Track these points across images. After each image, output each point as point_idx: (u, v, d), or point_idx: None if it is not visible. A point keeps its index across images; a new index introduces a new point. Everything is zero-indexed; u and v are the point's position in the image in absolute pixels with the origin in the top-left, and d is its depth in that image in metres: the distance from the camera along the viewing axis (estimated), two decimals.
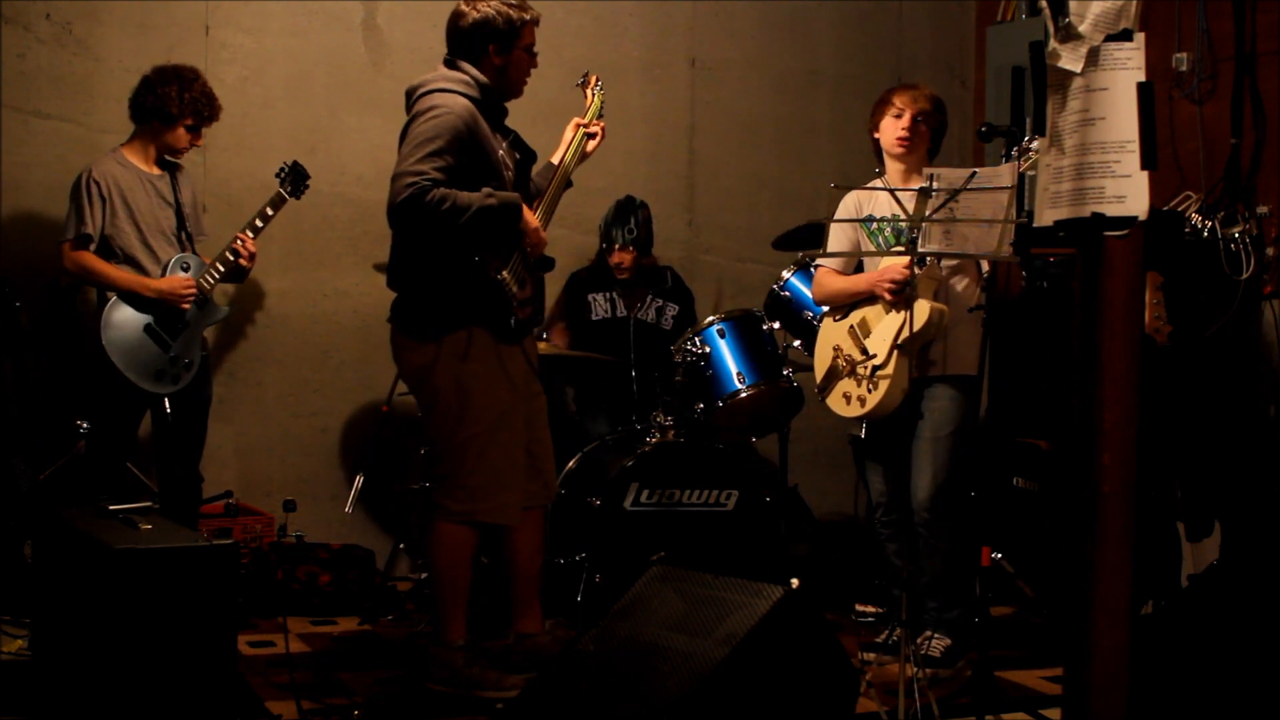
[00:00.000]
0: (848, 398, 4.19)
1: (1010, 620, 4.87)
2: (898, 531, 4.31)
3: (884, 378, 4.06)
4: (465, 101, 3.81)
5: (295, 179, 4.73)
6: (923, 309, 4.00)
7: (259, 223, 4.64)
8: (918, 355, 4.07)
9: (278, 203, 4.68)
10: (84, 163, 4.55)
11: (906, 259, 3.77)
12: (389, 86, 5.36)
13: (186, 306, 4.50)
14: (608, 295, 5.34)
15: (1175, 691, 3.42)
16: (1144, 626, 3.56)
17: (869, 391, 4.10)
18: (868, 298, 4.22)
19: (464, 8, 3.91)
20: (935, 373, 4.20)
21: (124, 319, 4.43)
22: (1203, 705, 3.42)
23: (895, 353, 4.05)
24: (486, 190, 3.78)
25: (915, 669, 3.56)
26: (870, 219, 4.23)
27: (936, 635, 4.20)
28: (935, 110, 4.30)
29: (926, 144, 4.29)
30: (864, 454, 4.43)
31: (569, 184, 4.20)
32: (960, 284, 4.22)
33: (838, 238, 4.30)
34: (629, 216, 5.25)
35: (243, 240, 4.59)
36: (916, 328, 3.90)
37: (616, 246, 5.23)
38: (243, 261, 4.60)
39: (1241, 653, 3.50)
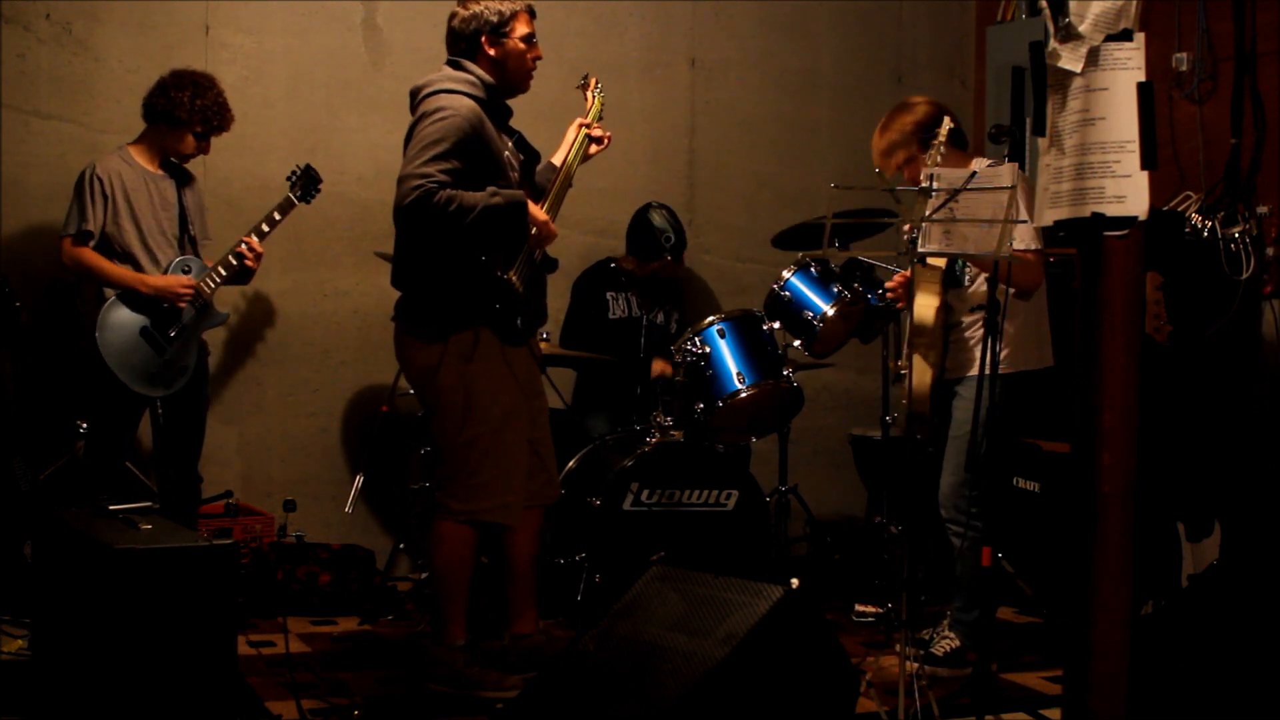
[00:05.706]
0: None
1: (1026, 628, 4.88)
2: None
3: (905, 378, 4.06)
4: (471, 102, 3.81)
5: (306, 184, 4.67)
6: (919, 304, 4.00)
7: (265, 227, 4.59)
8: (944, 356, 4.08)
9: (286, 207, 4.63)
10: (84, 163, 4.53)
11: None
12: (389, 86, 5.37)
13: (184, 305, 4.49)
14: (625, 295, 5.35)
15: (1175, 691, 3.42)
16: (1144, 626, 3.56)
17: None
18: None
19: (456, 8, 3.93)
20: (956, 375, 4.20)
21: (120, 320, 4.41)
22: (1203, 705, 3.42)
23: (906, 352, 4.05)
24: (491, 189, 3.78)
25: (916, 668, 3.56)
26: None
27: (949, 635, 4.20)
28: (899, 137, 4.22)
29: (910, 152, 4.20)
30: (927, 463, 4.38)
31: (569, 184, 4.21)
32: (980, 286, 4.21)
33: None
34: (679, 225, 5.35)
35: (248, 243, 4.56)
36: (908, 322, 3.94)
37: (669, 258, 5.32)
38: (249, 262, 4.56)
39: (1241, 652, 3.50)
